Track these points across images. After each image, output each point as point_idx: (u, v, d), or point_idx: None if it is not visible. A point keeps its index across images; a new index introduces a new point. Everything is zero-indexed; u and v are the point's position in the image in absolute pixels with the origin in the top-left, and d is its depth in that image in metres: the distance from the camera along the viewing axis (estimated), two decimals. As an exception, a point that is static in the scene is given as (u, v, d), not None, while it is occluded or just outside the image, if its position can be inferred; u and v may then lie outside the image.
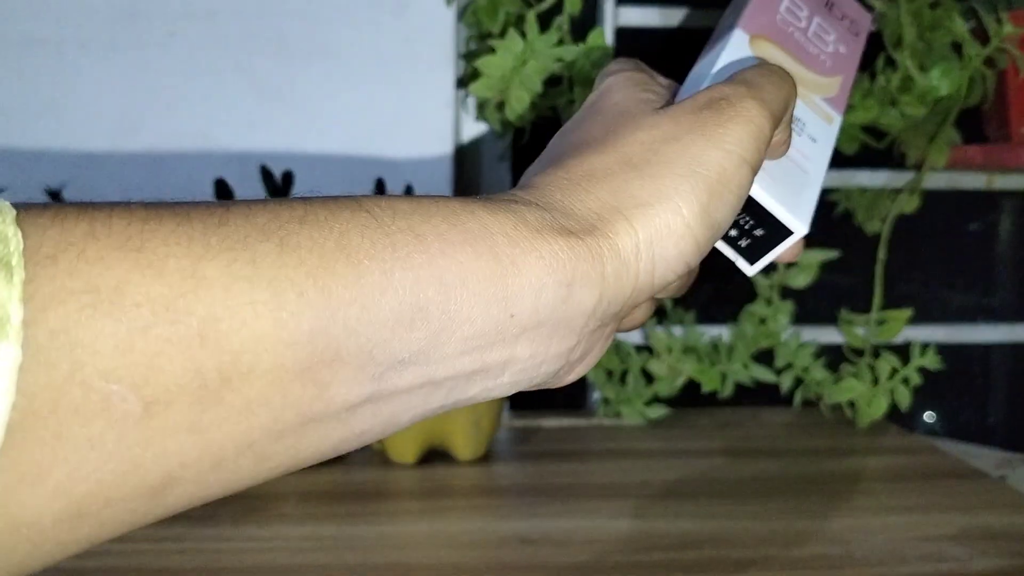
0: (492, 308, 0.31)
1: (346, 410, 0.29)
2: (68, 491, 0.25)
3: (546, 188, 0.35)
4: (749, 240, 0.43)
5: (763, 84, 0.39)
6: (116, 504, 0.26)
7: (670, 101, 0.41)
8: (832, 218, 1.00)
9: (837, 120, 0.49)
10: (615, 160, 0.36)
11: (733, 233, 0.43)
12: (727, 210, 0.36)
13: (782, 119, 0.39)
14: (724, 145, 0.36)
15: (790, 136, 0.43)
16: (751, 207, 0.42)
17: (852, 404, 0.93)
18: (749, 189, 0.37)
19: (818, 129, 0.47)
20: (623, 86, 0.41)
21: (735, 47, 0.46)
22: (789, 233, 0.43)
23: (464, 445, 0.80)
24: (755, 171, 0.37)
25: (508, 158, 0.99)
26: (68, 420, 0.25)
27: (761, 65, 0.41)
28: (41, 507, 0.25)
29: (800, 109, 0.46)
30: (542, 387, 0.36)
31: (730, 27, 0.48)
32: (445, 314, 0.30)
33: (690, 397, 0.95)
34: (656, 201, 0.34)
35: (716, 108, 0.37)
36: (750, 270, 0.44)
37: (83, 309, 0.25)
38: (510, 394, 0.34)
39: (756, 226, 0.43)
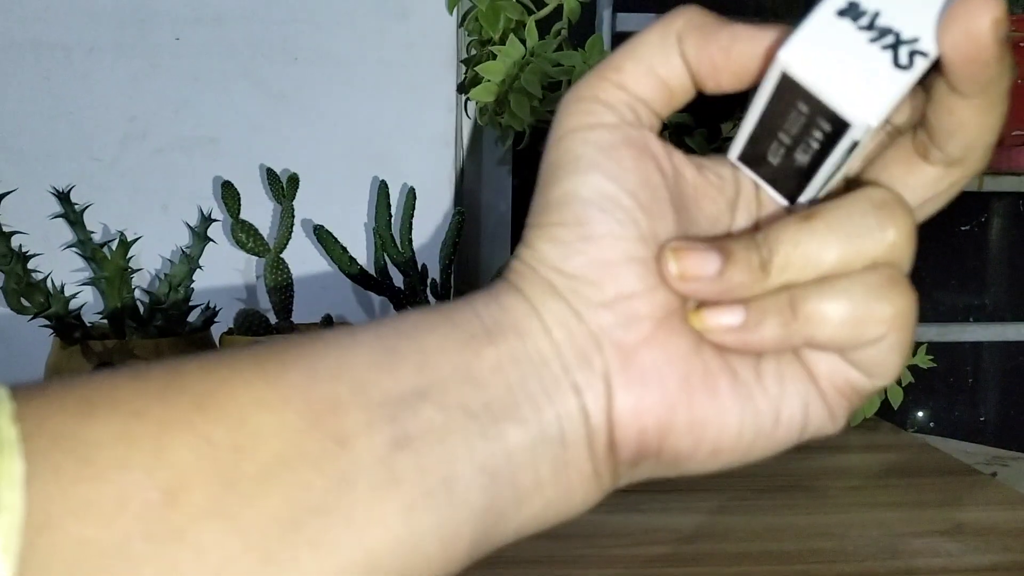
0: (450, 336, 0.29)
1: (379, 462, 0.27)
2: None
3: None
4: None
5: None
6: None
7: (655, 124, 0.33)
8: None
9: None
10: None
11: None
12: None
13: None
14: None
15: None
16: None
17: (846, 402, 0.94)
18: None
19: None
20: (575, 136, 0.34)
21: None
22: (846, 125, 0.29)
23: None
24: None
25: (508, 162, 1.01)
26: (88, 520, 0.23)
27: None
28: None
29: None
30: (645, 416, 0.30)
31: None
32: (417, 351, 0.29)
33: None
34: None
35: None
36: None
37: (80, 413, 0.25)
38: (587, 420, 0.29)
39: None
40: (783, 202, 0.33)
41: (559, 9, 0.84)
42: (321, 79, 0.99)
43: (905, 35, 0.29)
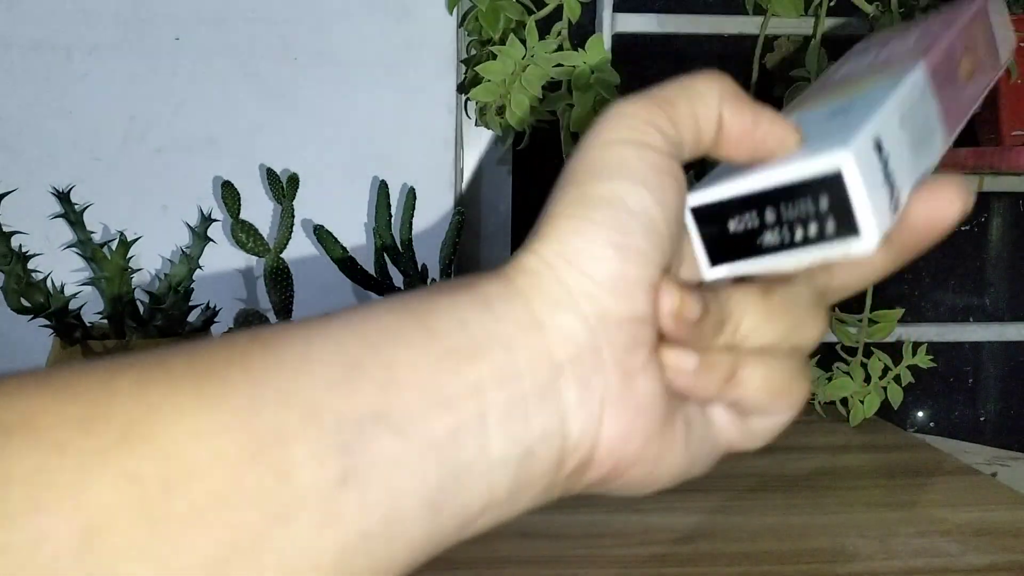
0: (425, 349, 0.27)
1: (322, 499, 0.25)
2: None
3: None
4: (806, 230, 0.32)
5: None
6: None
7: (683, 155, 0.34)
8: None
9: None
10: (574, 206, 0.32)
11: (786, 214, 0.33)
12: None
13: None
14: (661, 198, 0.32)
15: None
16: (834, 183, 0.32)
17: (845, 402, 0.94)
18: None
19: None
20: (612, 129, 0.33)
21: (912, 86, 0.36)
22: (855, 231, 0.31)
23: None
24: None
25: (508, 162, 1.01)
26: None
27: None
28: None
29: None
30: (588, 458, 0.30)
31: (900, 60, 0.38)
32: (383, 368, 0.27)
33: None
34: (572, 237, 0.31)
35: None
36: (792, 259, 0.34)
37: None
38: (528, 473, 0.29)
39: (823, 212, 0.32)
40: (704, 266, 0.34)
41: (559, 9, 0.84)
42: (321, 79, 0.99)
43: (897, 185, 0.33)
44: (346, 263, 0.87)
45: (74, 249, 0.82)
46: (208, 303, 0.86)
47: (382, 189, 0.89)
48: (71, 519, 0.22)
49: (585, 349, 0.29)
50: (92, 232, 0.82)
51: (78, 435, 0.24)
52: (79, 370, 0.26)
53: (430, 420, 0.27)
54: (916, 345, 0.92)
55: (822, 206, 0.32)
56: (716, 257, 0.34)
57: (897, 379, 0.92)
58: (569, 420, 0.29)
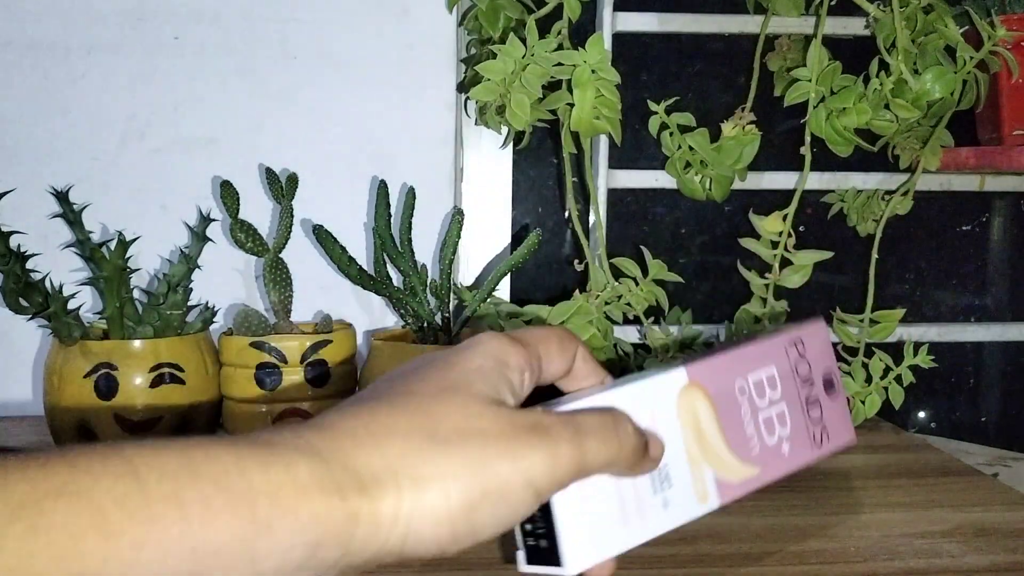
0: (241, 569, 0.31)
1: None
2: None
3: (341, 435, 0.35)
4: (534, 542, 0.41)
5: (592, 436, 0.38)
6: None
7: (522, 399, 0.40)
8: (826, 219, 1.01)
9: (711, 506, 0.45)
10: (423, 427, 0.36)
11: (528, 527, 0.41)
12: (493, 521, 0.36)
13: (596, 471, 0.39)
14: (519, 464, 0.36)
15: (642, 467, 0.42)
16: (549, 515, 0.40)
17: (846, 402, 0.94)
18: (526, 513, 0.37)
19: (680, 499, 0.44)
20: (485, 360, 0.39)
21: (663, 384, 0.44)
22: (559, 563, 0.40)
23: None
24: (540, 500, 0.37)
25: (508, 162, 1.01)
26: None
27: (613, 417, 0.40)
28: None
29: (678, 469, 0.44)
30: None
31: (683, 363, 0.46)
32: None
33: (687, 396, 0.96)
34: (432, 479, 0.34)
35: (534, 432, 0.37)
36: (522, 566, 0.42)
37: None
38: None
39: (543, 535, 0.40)
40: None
41: (559, 8, 0.84)
42: (321, 79, 0.99)
43: (610, 527, 0.43)
44: (346, 263, 0.87)
45: (73, 249, 0.81)
46: (207, 303, 0.86)
47: (382, 189, 0.89)
48: None
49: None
50: (91, 232, 0.81)
51: None
52: None
53: None
54: (917, 345, 0.92)
55: (545, 526, 0.40)
56: (528, 556, 0.42)
57: (898, 379, 0.92)
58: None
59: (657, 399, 0.44)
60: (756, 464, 0.47)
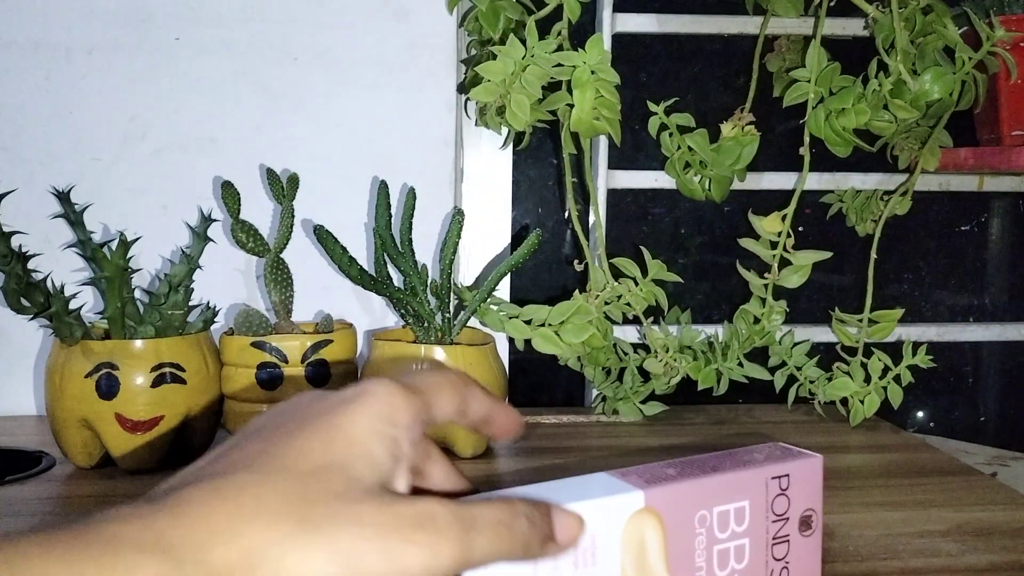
0: None
1: None
2: None
3: (197, 522, 0.32)
4: None
5: (483, 532, 0.36)
6: None
7: (412, 459, 0.38)
8: (825, 220, 1.02)
9: None
10: (293, 511, 0.33)
11: None
12: None
13: (485, 564, 0.36)
14: (393, 562, 0.33)
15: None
16: None
17: (845, 402, 0.94)
18: None
19: None
20: (372, 422, 0.36)
21: (616, 507, 0.43)
22: None
23: (465, 441, 0.82)
24: None
25: (508, 162, 1.01)
26: None
27: (511, 509, 0.37)
28: None
29: None
30: None
31: (643, 485, 0.44)
32: None
33: (686, 394, 0.97)
34: (296, 572, 0.31)
35: (417, 526, 0.34)
36: None
37: None
38: None
39: None
40: None
41: (559, 9, 0.84)
42: (321, 79, 1.00)
43: None
44: (346, 263, 0.87)
45: (74, 249, 0.81)
46: (208, 303, 0.86)
47: (382, 189, 0.89)
48: None
49: None
50: (92, 232, 0.82)
51: None
52: None
53: None
54: (916, 345, 0.92)
55: None
56: None
57: (897, 379, 0.92)
58: None
59: (606, 521, 0.42)
60: None
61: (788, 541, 0.48)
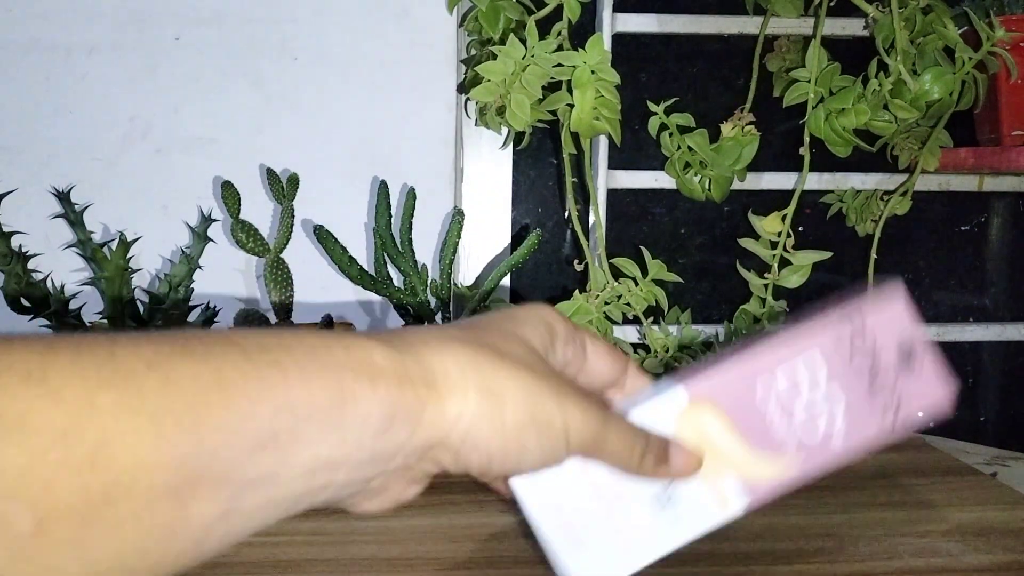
0: (330, 435, 0.34)
1: (202, 530, 0.32)
2: None
3: (415, 340, 0.39)
4: None
5: (616, 433, 0.43)
6: None
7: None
8: (825, 220, 1.02)
9: (734, 510, 0.46)
10: (491, 346, 0.40)
11: None
12: (536, 449, 0.40)
13: (606, 459, 0.43)
14: (562, 407, 0.40)
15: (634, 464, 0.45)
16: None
17: (846, 402, 0.94)
18: (556, 460, 0.41)
19: (691, 512, 0.46)
20: (537, 324, 0.44)
21: (659, 407, 0.46)
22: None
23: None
24: (568, 452, 0.41)
25: (508, 162, 1.01)
26: None
27: (633, 436, 0.44)
28: None
29: (684, 488, 0.46)
30: (340, 507, 0.40)
31: (681, 379, 0.46)
32: (292, 439, 0.33)
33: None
34: (494, 391, 0.38)
35: (575, 391, 0.41)
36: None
37: None
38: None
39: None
40: None
41: (559, 9, 0.84)
42: (321, 79, 1.00)
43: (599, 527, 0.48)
44: (346, 263, 0.87)
45: (74, 249, 0.82)
46: (208, 303, 0.86)
47: (382, 189, 0.89)
48: (35, 509, 0.28)
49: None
50: (92, 232, 0.82)
51: (57, 444, 0.29)
52: (70, 372, 0.30)
53: (296, 486, 0.35)
54: (916, 345, 0.92)
55: None
56: None
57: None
58: (358, 498, 0.40)
59: (660, 423, 0.45)
60: (793, 454, 0.47)
61: (890, 375, 0.49)
